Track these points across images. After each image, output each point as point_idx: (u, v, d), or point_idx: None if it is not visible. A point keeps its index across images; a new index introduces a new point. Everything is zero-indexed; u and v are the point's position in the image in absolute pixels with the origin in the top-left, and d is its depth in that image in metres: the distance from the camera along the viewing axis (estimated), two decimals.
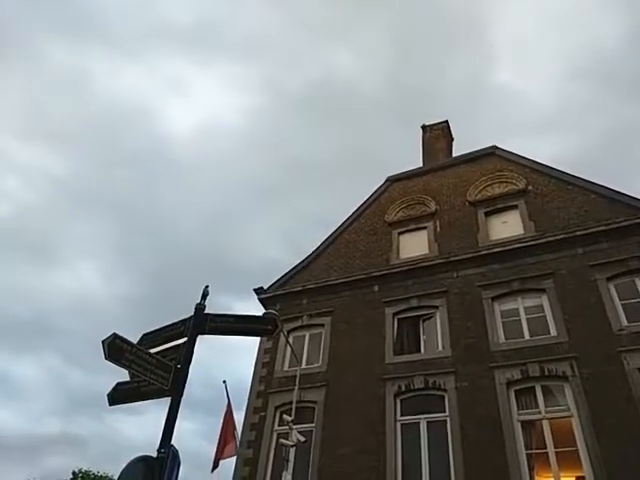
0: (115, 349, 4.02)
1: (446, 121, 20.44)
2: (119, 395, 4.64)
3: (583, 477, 9.75)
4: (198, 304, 5.06)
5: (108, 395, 4.61)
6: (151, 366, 4.31)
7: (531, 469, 10.23)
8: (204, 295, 5.16)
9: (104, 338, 3.98)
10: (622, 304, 11.42)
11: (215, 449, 11.59)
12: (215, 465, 11.29)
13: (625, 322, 11.11)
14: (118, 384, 4.71)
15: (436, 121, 20.58)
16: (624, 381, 10.20)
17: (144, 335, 5.23)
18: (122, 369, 4.28)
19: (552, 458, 10.04)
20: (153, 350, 4.79)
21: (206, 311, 5.03)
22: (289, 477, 10.25)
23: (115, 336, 4.05)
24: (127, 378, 4.80)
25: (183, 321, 5.03)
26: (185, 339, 4.82)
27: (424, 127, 20.59)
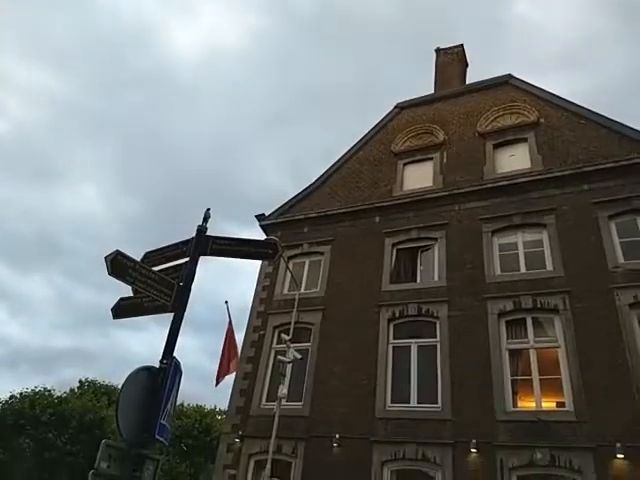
0: (118, 265, 4.08)
1: (461, 45, 19.38)
2: (122, 309, 4.79)
3: (563, 403, 10.35)
4: (200, 226, 5.09)
5: (112, 309, 4.77)
6: (154, 282, 4.40)
7: (515, 393, 10.83)
8: (205, 218, 5.19)
9: (107, 255, 4.03)
10: (620, 242, 11.49)
11: (218, 366, 12.14)
12: (219, 380, 11.85)
13: (621, 259, 11.24)
14: (121, 299, 4.85)
15: (451, 45, 19.53)
16: (614, 316, 10.50)
17: (147, 253, 5.31)
18: (126, 286, 4.37)
19: (536, 385, 10.59)
20: (156, 268, 4.87)
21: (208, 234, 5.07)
22: (285, 390, 10.86)
23: (118, 253, 4.10)
24: (131, 294, 4.93)
25: (185, 242, 5.09)
26: (187, 259, 4.90)
27: (438, 50, 19.56)
